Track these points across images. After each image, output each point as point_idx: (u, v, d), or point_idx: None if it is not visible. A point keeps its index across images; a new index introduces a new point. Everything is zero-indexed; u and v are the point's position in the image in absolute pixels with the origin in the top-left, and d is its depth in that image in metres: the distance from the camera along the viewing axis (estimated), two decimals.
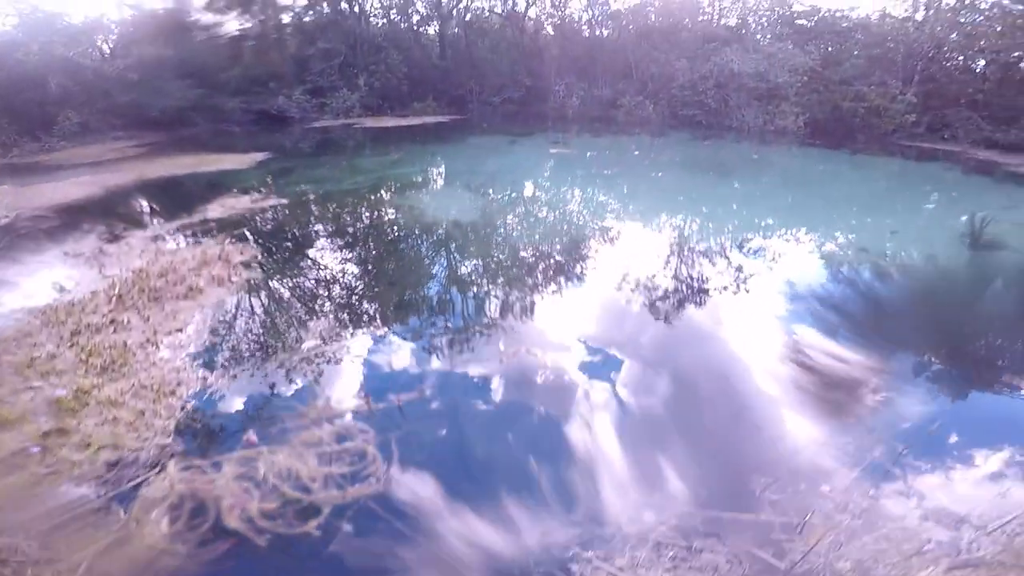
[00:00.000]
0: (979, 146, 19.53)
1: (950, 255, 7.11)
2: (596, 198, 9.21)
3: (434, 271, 6.26)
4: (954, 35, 24.87)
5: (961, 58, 24.31)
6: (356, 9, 26.47)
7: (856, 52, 23.98)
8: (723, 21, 25.16)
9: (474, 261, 6.49)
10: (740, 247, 7.20)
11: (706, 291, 5.83)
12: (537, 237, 7.10)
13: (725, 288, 5.89)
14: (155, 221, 8.26)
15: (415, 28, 28.22)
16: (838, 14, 26.07)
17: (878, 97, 20.06)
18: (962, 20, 25.67)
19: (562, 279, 6.08)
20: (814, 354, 4.57)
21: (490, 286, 5.90)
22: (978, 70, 23.57)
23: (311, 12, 25.47)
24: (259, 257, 6.25)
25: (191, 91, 19.74)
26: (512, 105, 24.15)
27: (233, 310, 5.19)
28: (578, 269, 6.35)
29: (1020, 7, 26.89)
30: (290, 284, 5.76)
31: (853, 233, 8.07)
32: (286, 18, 26.56)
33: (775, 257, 6.95)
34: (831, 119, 19.76)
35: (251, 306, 5.31)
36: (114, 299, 5.32)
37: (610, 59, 24.14)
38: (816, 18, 25.66)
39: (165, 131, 18.91)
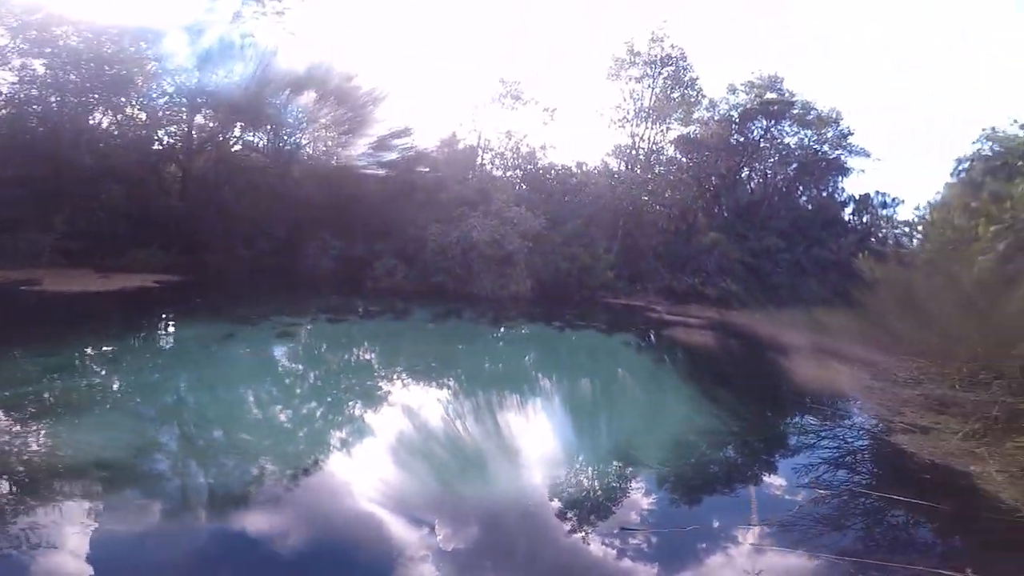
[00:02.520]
0: (661, 295, 24.22)
1: None
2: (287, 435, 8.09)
3: None
4: (646, 191, 30.57)
5: (649, 212, 30.02)
6: (77, 129, 22.45)
7: (580, 201, 28.03)
8: (489, 171, 27.40)
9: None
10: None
11: None
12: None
13: None
14: None
15: (154, 159, 25.06)
16: (572, 168, 30.23)
17: (587, 256, 23.67)
18: (650, 176, 31.78)
19: None
20: None
21: None
22: (660, 223, 29.33)
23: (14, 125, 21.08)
24: None
25: None
26: (264, 259, 22.77)
27: None
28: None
29: (685, 159, 34.25)
30: None
31: None
32: None
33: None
34: (553, 281, 22.72)
35: None
36: None
37: (372, 214, 24.61)
38: (553, 173, 29.43)
39: None
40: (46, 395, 8.31)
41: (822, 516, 6.18)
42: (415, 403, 9.96)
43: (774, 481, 7.61)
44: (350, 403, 9.85)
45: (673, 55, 30.40)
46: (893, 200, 31.92)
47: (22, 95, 22.37)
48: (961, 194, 18.16)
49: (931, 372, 10.70)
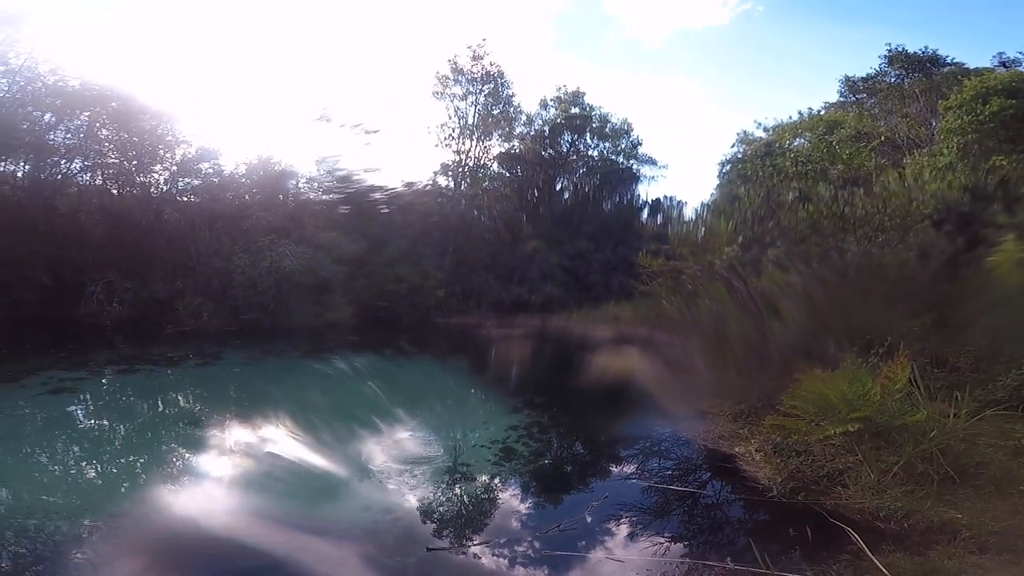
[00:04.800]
0: (492, 309, 23.93)
1: None
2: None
3: None
4: (474, 206, 30.45)
5: (477, 226, 29.89)
6: None
7: (408, 221, 26.72)
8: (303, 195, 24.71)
9: None
10: None
11: None
12: None
13: None
14: None
15: None
16: (398, 188, 28.57)
17: (416, 276, 22.61)
18: (478, 191, 31.75)
19: None
20: None
21: None
22: (488, 236, 29.36)
23: None
24: None
25: None
26: (26, 309, 18.16)
27: None
28: None
29: (508, 174, 34.94)
30: None
31: None
32: None
33: None
34: (379, 304, 21.23)
35: None
36: None
37: (171, 249, 21.06)
38: (378, 195, 27.57)
39: None
40: None
41: (642, 505, 6.30)
42: (218, 451, 8.49)
43: (593, 479, 7.75)
44: (143, 457, 8.26)
45: (492, 72, 30.61)
46: (678, 203, 35.76)
47: None
48: (721, 195, 20.76)
49: (708, 356, 11.43)
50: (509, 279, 25.86)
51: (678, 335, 11.57)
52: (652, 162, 36.22)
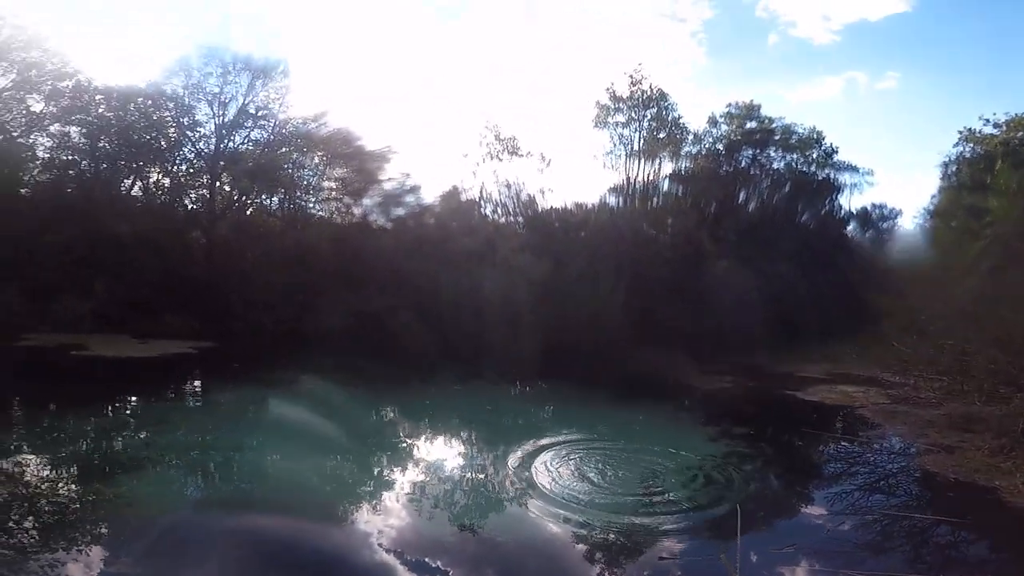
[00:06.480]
0: (678, 341, 22.53)
1: None
2: None
3: None
4: (647, 221, 30.86)
5: (653, 243, 29.81)
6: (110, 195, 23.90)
7: (583, 239, 28.13)
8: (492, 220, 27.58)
9: None
10: None
11: None
12: None
13: None
14: None
15: (180, 226, 26.02)
16: (571, 209, 30.33)
17: (596, 300, 23.22)
18: (649, 208, 32.13)
19: None
20: None
21: None
22: (665, 253, 29.08)
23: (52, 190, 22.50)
24: None
25: None
26: (285, 325, 23.01)
27: None
28: None
29: (680, 194, 34.28)
30: None
31: None
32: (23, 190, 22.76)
33: None
34: (561, 328, 21.20)
35: None
36: None
37: (388, 271, 24.73)
38: (554, 215, 29.49)
39: None
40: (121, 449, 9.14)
41: (858, 540, 6.37)
42: (433, 465, 9.56)
43: (810, 509, 7.80)
44: (395, 460, 9.85)
45: (653, 96, 30.74)
46: (891, 211, 32.10)
47: (58, 161, 23.97)
48: (951, 200, 18.31)
49: (952, 390, 10.79)
50: (698, 307, 24.95)
51: (913, 373, 11.06)
52: (853, 169, 33.20)
